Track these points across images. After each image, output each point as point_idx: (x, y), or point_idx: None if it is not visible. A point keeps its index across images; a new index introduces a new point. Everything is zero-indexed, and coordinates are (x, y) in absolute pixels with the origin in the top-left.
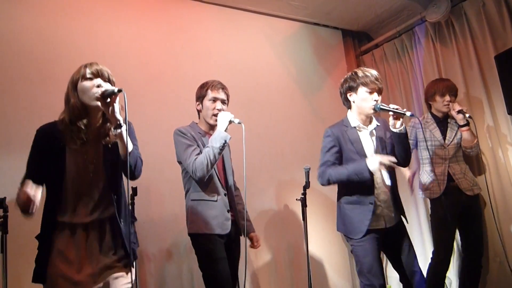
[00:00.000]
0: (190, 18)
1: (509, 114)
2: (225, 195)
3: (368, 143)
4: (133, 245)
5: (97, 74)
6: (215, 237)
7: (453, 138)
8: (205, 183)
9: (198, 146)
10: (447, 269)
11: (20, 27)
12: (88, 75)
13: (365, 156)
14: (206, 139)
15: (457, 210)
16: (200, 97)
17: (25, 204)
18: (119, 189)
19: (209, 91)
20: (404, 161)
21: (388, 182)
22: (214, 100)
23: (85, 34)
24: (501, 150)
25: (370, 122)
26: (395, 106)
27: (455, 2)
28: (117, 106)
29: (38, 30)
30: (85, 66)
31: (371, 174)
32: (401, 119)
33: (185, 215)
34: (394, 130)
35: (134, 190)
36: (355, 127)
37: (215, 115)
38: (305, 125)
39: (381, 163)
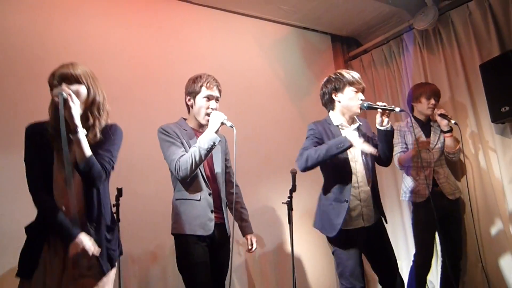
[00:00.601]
0: (180, 20)
1: (492, 122)
2: (209, 194)
3: None
4: (112, 252)
5: (61, 80)
6: (195, 239)
7: (437, 142)
8: (188, 182)
9: (182, 144)
10: (428, 272)
11: (11, 25)
12: (55, 83)
13: (346, 154)
14: (193, 138)
15: (439, 214)
16: (192, 93)
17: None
18: (91, 191)
19: (203, 88)
20: (387, 159)
21: (368, 181)
22: (209, 98)
23: (76, 34)
24: (484, 157)
25: (353, 122)
26: (383, 104)
27: (443, 11)
28: (74, 110)
29: (28, 29)
30: (53, 72)
31: (350, 143)
32: (387, 118)
33: (170, 218)
34: (381, 128)
35: (119, 191)
36: (337, 126)
37: (208, 114)
38: (293, 129)
39: (359, 141)
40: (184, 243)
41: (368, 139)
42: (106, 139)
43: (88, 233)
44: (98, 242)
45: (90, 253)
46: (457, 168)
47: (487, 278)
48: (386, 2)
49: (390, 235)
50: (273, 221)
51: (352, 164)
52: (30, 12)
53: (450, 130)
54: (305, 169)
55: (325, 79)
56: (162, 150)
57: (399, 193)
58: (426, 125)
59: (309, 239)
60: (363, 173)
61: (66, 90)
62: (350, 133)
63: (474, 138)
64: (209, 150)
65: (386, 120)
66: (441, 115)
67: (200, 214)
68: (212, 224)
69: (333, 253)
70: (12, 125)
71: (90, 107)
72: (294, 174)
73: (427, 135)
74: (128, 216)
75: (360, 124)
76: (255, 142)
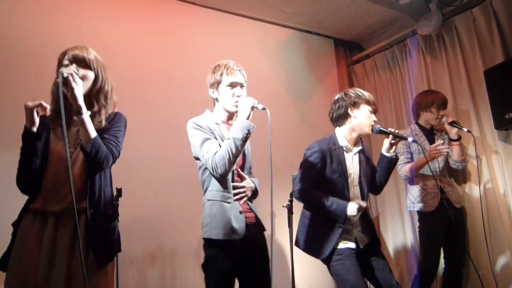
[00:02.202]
0: (182, 20)
1: (496, 128)
2: (235, 194)
3: (351, 165)
4: (109, 244)
5: (73, 60)
6: (227, 244)
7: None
8: (222, 181)
9: (216, 138)
10: (432, 281)
11: (8, 23)
12: (65, 61)
13: (346, 178)
14: (224, 130)
15: (446, 223)
16: (214, 84)
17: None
18: (94, 178)
19: (224, 75)
20: (381, 187)
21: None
22: (232, 85)
23: (74, 33)
24: (487, 163)
25: (357, 143)
26: (395, 130)
27: (446, 16)
28: (77, 91)
29: (26, 27)
30: (66, 51)
31: (345, 220)
32: (397, 145)
33: (169, 219)
34: (387, 155)
35: (119, 191)
36: (342, 147)
37: (236, 102)
38: (294, 133)
39: (359, 210)
40: (213, 248)
41: (364, 168)
42: (112, 126)
43: (85, 220)
44: (93, 231)
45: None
46: (460, 177)
47: (494, 285)
48: (389, 6)
49: (391, 244)
50: (273, 225)
51: (351, 189)
52: (30, 10)
53: (459, 139)
54: (301, 202)
55: (340, 93)
56: (193, 145)
57: (400, 202)
58: (430, 133)
59: None
60: (359, 198)
61: (69, 71)
62: (350, 206)
63: (477, 145)
64: (245, 139)
65: (393, 148)
66: (452, 123)
67: (231, 217)
68: (243, 225)
69: (330, 273)
70: (11, 122)
71: (97, 94)
72: (294, 178)
73: (431, 143)
74: (127, 216)
75: (361, 148)
76: (255, 145)
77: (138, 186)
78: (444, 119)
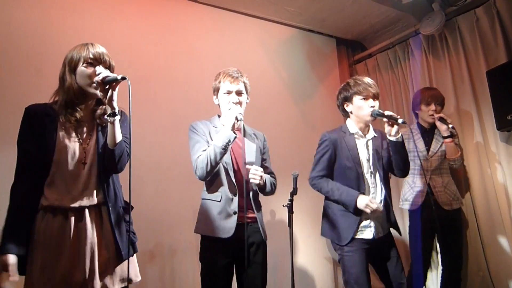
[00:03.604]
0: (184, 18)
1: (498, 129)
2: (235, 194)
3: (364, 152)
4: (132, 236)
5: (99, 60)
6: (215, 241)
7: (438, 149)
8: (210, 182)
9: (208, 142)
10: (424, 282)
11: (10, 20)
12: (90, 60)
13: (359, 164)
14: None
15: (435, 224)
16: (215, 91)
17: None
18: (109, 173)
19: (221, 83)
20: (402, 172)
21: (381, 192)
22: (228, 92)
23: (76, 30)
24: (489, 164)
25: (368, 131)
26: (390, 112)
27: (449, 16)
28: (115, 93)
29: (28, 24)
30: (87, 47)
31: (356, 211)
32: (395, 126)
33: (169, 216)
34: (391, 139)
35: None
36: (353, 134)
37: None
38: (295, 132)
39: (367, 206)
40: (203, 244)
41: (379, 154)
42: (124, 126)
43: (107, 213)
44: (117, 224)
45: (9, 277)
46: (462, 178)
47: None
48: (392, 6)
49: None
50: (273, 224)
51: (366, 176)
52: (32, 6)
53: (450, 136)
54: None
55: (338, 90)
56: (189, 147)
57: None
58: (429, 132)
59: (309, 243)
60: (376, 186)
61: (100, 70)
62: (360, 198)
63: (478, 146)
64: (224, 147)
65: (393, 130)
66: (441, 119)
67: (218, 216)
68: (233, 226)
69: (339, 261)
70: (13, 119)
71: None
72: (295, 177)
73: (428, 142)
74: None
75: (374, 136)
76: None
77: (138, 184)
78: (436, 116)
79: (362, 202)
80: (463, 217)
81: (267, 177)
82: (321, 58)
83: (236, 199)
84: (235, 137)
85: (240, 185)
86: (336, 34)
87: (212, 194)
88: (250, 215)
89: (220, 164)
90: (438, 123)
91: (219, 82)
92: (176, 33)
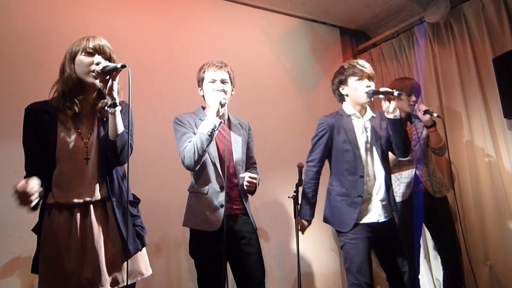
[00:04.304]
0: (186, 10)
1: (505, 117)
2: (222, 186)
3: (362, 133)
4: (140, 230)
5: (99, 50)
6: (202, 234)
7: (417, 141)
8: (197, 174)
9: (195, 134)
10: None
11: (12, 13)
12: (89, 49)
13: (357, 146)
14: None
15: (425, 214)
16: (199, 81)
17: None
18: (112, 167)
19: (206, 73)
20: (402, 151)
21: (381, 173)
22: (213, 81)
23: (79, 23)
24: (495, 152)
25: (365, 112)
26: (385, 88)
27: (455, 3)
28: (116, 83)
29: (31, 17)
30: (87, 38)
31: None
32: (392, 102)
33: (175, 209)
34: (389, 116)
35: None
36: (350, 115)
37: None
38: (300, 123)
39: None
40: (192, 237)
41: (378, 134)
42: (126, 117)
43: (112, 208)
44: (122, 218)
45: (27, 189)
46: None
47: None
48: None
49: None
50: (278, 215)
51: (364, 157)
52: (34, 1)
53: (434, 125)
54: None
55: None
56: (176, 140)
57: None
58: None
59: (314, 234)
60: (375, 167)
61: (99, 60)
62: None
63: (485, 134)
64: (211, 134)
65: (391, 106)
66: (426, 111)
67: (205, 209)
68: (220, 219)
69: (341, 247)
70: (16, 113)
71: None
72: (300, 168)
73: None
74: None
75: (372, 116)
76: (261, 136)
77: (143, 177)
78: (416, 106)
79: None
80: (450, 203)
81: (258, 178)
82: (325, 48)
83: (223, 191)
84: (221, 123)
85: (222, 175)
86: (340, 24)
87: (199, 187)
88: (239, 206)
89: (207, 157)
90: (420, 114)
91: (203, 72)
92: (179, 25)
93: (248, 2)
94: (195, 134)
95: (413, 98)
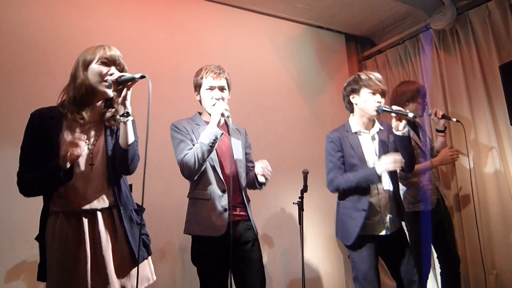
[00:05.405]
0: (192, 15)
1: (511, 125)
2: (223, 192)
3: (370, 147)
4: (145, 238)
5: (114, 61)
6: (206, 240)
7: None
8: (197, 181)
9: (192, 140)
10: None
11: (19, 18)
12: (104, 59)
13: (365, 161)
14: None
15: (437, 221)
16: (196, 87)
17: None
18: (119, 175)
19: (203, 79)
20: (407, 167)
21: (389, 187)
22: (211, 88)
23: (85, 28)
24: (501, 161)
25: (373, 125)
26: (398, 108)
27: (461, 10)
28: (129, 93)
29: (37, 22)
30: (103, 47)
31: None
32: (403, 121)
33: (180, 214)
34: (397, 133)
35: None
36: (355, 133)
37: (214, 105)
38: (305, 129)
39: (388, 164)
40: (194, 244)
41: (386, 147)
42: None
43: (119, 216)
44: (129, 226)
45: (79, 150)
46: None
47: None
48: (402, 1)
49: None
50: (283, 222)
51: None
52: (41, 5)
53: (445, 130)
54: (336, 192)
55: (346, 81)
56: (173, 147)
57: None
58: (414, 127)
59: (319, 241)
60: (382, 180)
61: (113, 71)
62: (377, 164)
63: (491, 141)
64: (212, 145)
65: (401, 124)
66: (443, 116)
67: (209, 214)
68: (225, 223)
69: (348, 257)
70: (21, 118)
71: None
72: (305, 175)
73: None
74: None
75: (380, 129)
76: (266, 142)
77: (148, 182)
78: (430, 111)
79: (381, 165)
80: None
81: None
82: (330, 55)
83: (225, 195)
84: (222, 134)
85: (228, 181)
86: (345, 30)
87: (200, 192)
88: (242, 212)
89: (206, 161)
90: (435, 119)
91: (201, 78)
92: (184, 30)
93: (254, 9)
94: (192, 140)
95: (420, 100)
